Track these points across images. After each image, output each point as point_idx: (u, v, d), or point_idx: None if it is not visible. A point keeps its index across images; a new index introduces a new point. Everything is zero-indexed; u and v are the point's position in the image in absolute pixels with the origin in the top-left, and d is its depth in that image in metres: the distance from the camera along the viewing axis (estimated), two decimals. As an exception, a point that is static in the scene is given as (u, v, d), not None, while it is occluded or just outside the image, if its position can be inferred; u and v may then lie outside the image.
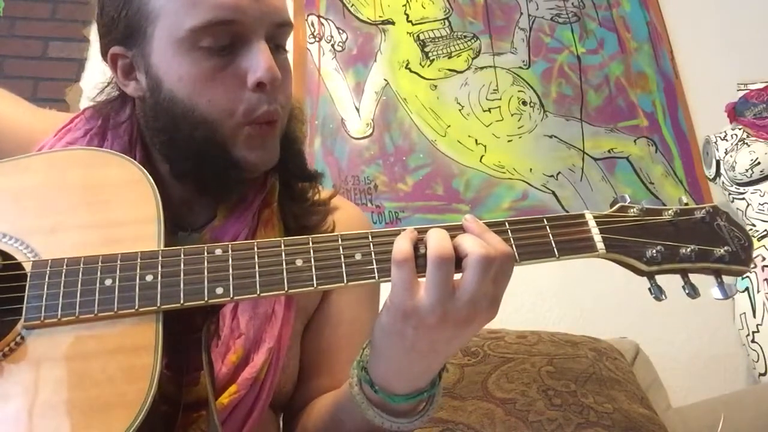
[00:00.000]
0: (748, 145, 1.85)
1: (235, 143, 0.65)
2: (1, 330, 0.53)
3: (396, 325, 0.56)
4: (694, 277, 0.65)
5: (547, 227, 0.62)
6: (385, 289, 0.61)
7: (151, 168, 0.67)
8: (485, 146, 2.04)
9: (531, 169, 2.04)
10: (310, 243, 0.58)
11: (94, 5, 0.71)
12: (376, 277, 0.58)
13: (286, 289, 0.56)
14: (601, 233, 0.62)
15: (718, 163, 1.93)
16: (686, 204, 0.67)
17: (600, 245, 0.62)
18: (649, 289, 0.65)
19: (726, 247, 0.64)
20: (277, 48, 0.67)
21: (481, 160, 2.02)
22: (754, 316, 1.68)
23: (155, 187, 0.61)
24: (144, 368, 0.52)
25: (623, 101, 2.22)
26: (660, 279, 0.64)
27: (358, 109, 2.02)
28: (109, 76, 0.73)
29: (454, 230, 0.61)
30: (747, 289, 1.72)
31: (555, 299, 1.83)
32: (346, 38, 2.11)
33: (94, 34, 1.98)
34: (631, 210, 0.65)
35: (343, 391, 0.70)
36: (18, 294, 0.54)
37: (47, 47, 1.94)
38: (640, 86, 2.25)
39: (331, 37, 2.11)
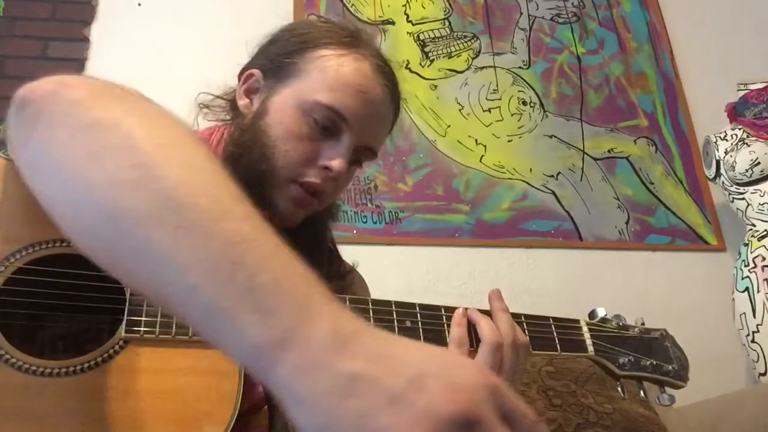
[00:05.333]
0: (748, 145, 1.85)
1: (280, 191, 0.76)
2: (102, 337, 0.58)
3: None
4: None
5: (553, 326, 0.76)
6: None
7: None
8: (485, 146, 2.04)
9: (531, 169, 2.04)
10: (370, 305, 0.68)
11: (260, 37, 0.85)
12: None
13: None
14: (591, 338, 0.77)
15: (718, 163, 1.93)
16: (643, 324, 0.84)
17: (591, 348, 0.77)
18: (617, 388, 0.80)
19: (673, 365, 0.82)
20: (355, 160, 0.81)
21: (481, 160, 2.02)
22: (754, 316, 1.68)
23: None
24: (230, 392, 0.57)
25: (623, 101, 2.22)
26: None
27: (358, 109, 2.02)
28: (225, 90, 0.86)
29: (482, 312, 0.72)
30: (747, 289, 1.72)
31: (556, 300, 1.83)
32: (346, 38, 2.11)
33: (94, 33, 1.98)
34: (610, 322, 0.82)
35: None
36: (118, 306, 0.58)
37: (47, 47, 1.94)
38: (640, 86, 2.25)
39: (331, 37, 2.11)
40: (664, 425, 1.35)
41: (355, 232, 1.84)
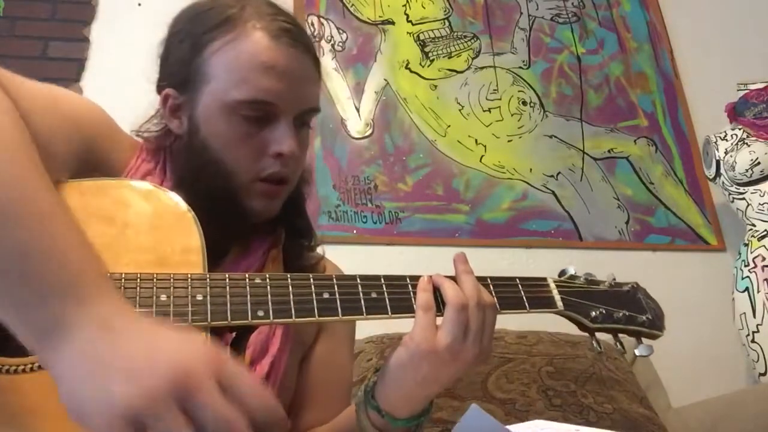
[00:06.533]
0: (748, 145, 1.85)
1: (247, 194, 0.76)
2: None
3: (413, 360, 0.67)
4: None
5: (520, 285, 0.75)
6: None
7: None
8: (485, 146, 2.04)
9: (531, 169, 2.04)
10: (335, 280, 0.67)
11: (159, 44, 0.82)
12: (389, 313, 0.68)
13: (316, 316, 0.64)
14: (559, 294, 0.76)
15: (718, 163, 1.93)
16: (614, 279, 0.83)
17: (559, 303, 0.76)
18: (592, 342, 0.79)
19: (647, 315, 0.80)
20: (301, 125, 0.79)
21: (481, 160, 2.02)
22: (754, 316, 1.68)
23: (198, 222, 0.67)
24: None
25: (623, 101, 2.22)
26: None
27: (358, 109, 2.02)
28: (156, 109, 0.83)
29: (447, 278, 0.71)
30: (747, 289, 1.72)
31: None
32: (346, 38, 2.11)
33: (94, 34, 1.98)
34: (578, 279, 0.80)
35: (343, 418, 0.80)
36: None
37: (47, 47, 1.94)
38: (640, 86, 2.25)
39: (331, 37, 2.11)
40: (664, 425, 1.35)
41: (355, 232, 1.84)
